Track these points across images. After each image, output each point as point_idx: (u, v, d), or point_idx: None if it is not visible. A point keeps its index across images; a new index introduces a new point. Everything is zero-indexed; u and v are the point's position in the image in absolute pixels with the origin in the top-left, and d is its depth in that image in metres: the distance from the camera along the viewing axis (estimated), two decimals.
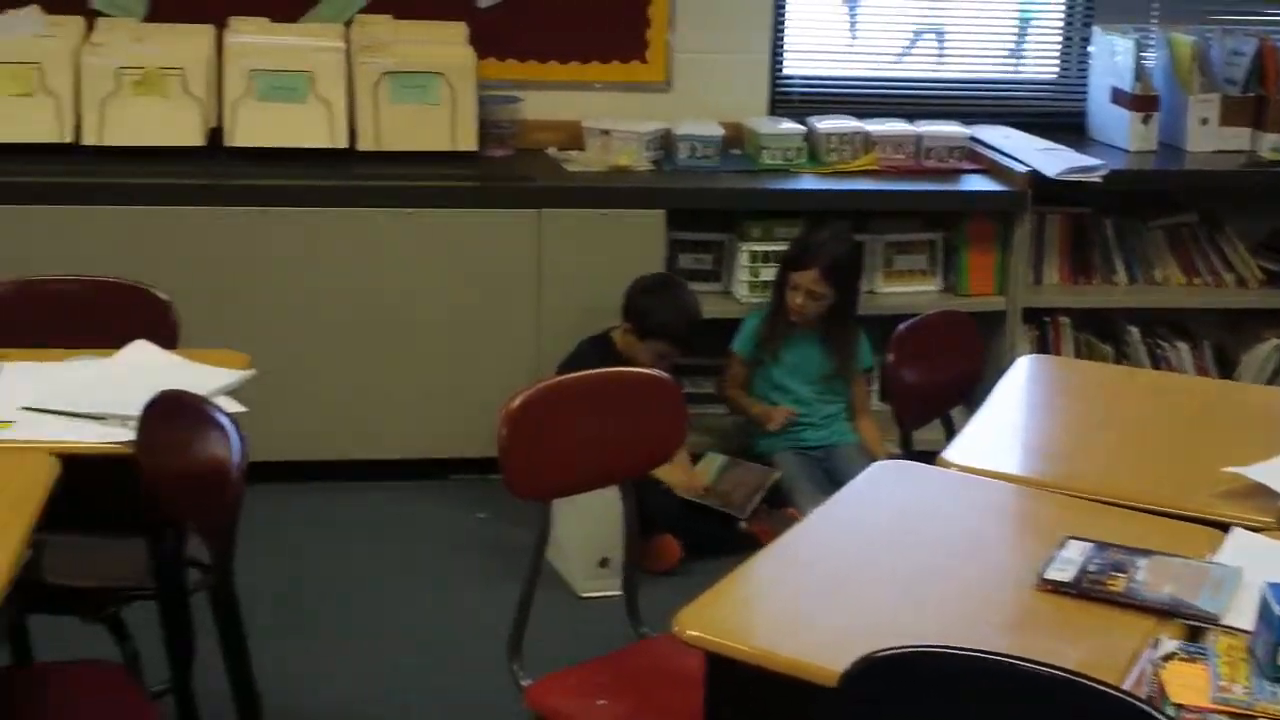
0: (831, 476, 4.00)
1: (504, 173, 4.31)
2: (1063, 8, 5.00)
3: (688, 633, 1.94)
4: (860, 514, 2.34)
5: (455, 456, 4.25)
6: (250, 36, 4.26)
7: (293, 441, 4.01)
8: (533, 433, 2.45)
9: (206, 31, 4.29)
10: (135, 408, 2.37)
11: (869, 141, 4.56)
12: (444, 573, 3.81)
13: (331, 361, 4.14)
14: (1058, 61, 5.05)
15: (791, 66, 4.79)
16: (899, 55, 5.00)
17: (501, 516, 4.06)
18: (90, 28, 4.28)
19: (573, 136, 4.51)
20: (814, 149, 4.53)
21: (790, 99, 4.78)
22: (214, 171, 4.11)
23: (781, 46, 4.75)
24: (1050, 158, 4.45)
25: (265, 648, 2.49)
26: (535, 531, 3.71)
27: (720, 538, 3.86)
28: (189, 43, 4.23)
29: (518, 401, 2.44)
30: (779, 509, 3.95)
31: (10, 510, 2.10)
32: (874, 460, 4.03)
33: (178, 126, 4.17)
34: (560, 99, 4.58)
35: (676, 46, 4.64)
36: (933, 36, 5.02)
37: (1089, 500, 2.33)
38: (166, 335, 2.87)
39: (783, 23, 4.74)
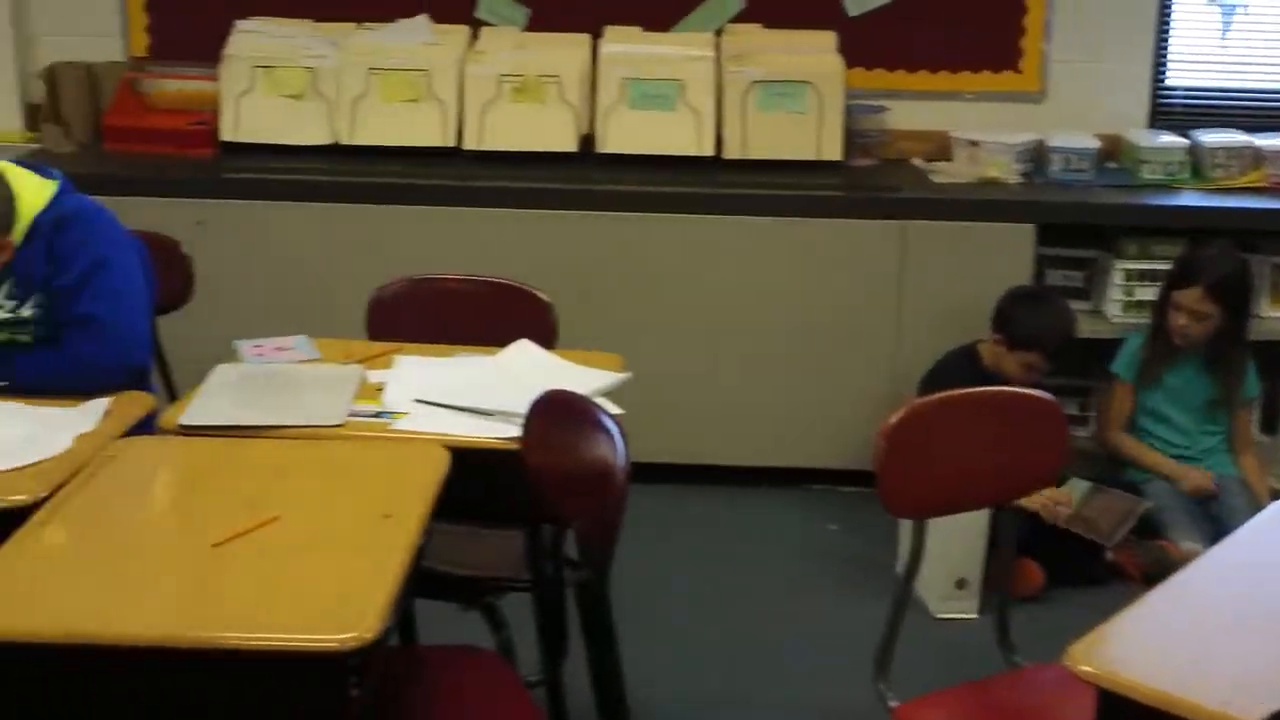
0: (1208, 510, 3.80)
1: (869, 182, 4.27)
2: None
3: (1080, 667, 1.86)
4: (1261, 556, 2.19)
5: (811, 467, 4.23)
6: (624, 45, 4.35)
7: (653, 444, 4.04)
8: (910, 450, 2.40)
9: (583, 41, 4.41)
10: (521, 405, 2.44)
11: (1258, 157, 4.31)
12: (795, 582, 3.79)
13: (694, 366, 4.18)
14: None
15: (1175, 77, 4.57)
16: None
17: (854, 529, 4.03)
18: (474, 37, 4.46)
19: (940, 147, 4.42)
20: (1197, 164, 4.31)
21: (1172, 111, 4.56)
22: (585, 177, 4.21)
23: (1165, 56, 4.54)
24: None
25: (621, 646, 2.52)
26: (889, 547, 3.70)
27: (1084, 566, 3.72)
28: (566, 51, 4.35)
29: (896, 418, 2.39)
30: (1148, 540, 3.77)
31: (408, 498, 2.19)
32: (1255, 496, 3.84)
33: (552, 133, 4.29)
34: (928, 109, 4.50)
35: (1052, 56, 4.49)
36: None
37: None
38: (546, 336, 2.95)
39: (1167, 31, 4.53)
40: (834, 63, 4.31)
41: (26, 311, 2.60)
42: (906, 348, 4.13)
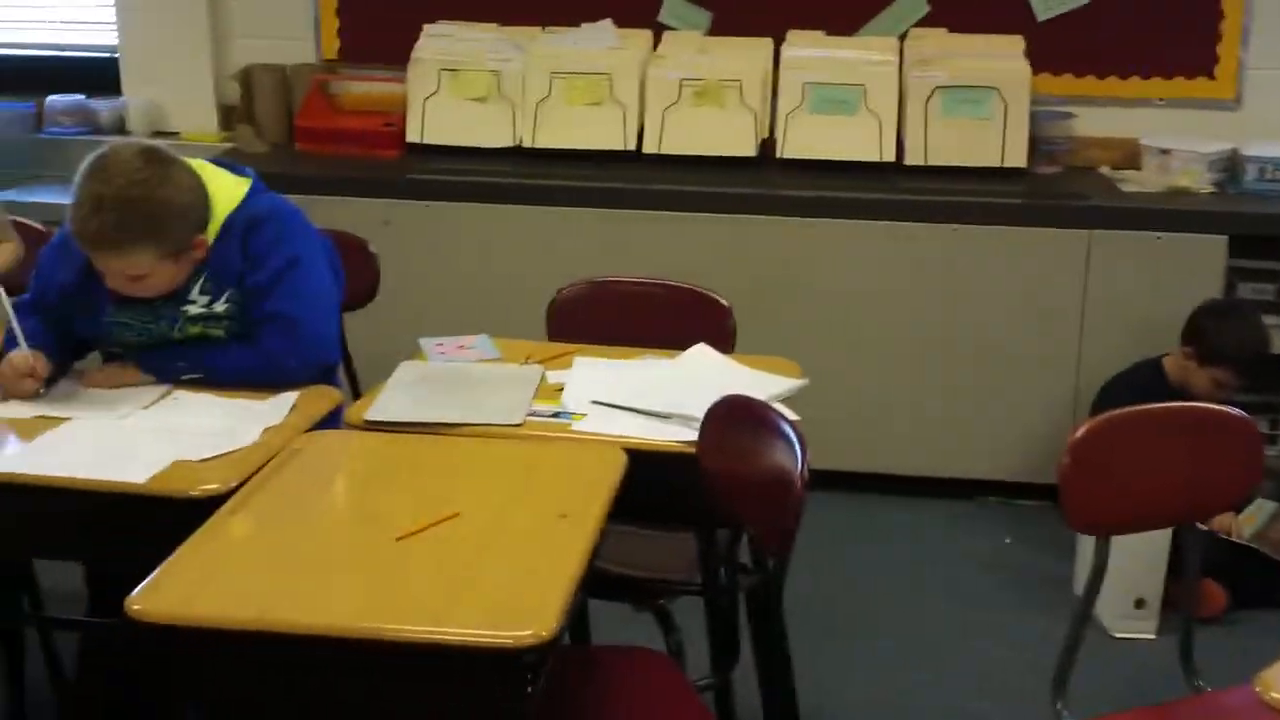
0: None
1: (1053, 190, 4.18)
2: None
3: (1271, 694, 1.79)
4: None
5: (985, 478, 4.17)
6: (806, 49, 4.33)
7: (827, 451, 4.00)
8: (1096, 465, 2.34)
9: (765, 44, 4.40)
10: (699, 409, 2.44)
11: None
12: (969, 595, 3.73)
13: (869, 374, 4.14)
14: None
15: None
16: None
17: (1028, 543, 3.95)
18: (657, 41, 4.48)
19: (1128, 155, 4.31)
20: None
21: None
22: (764, 181, 4.20)
23: None
24: None
25: (791, 652, 2.51)
26: (1065, 563, 3.62)
27: (1269, 589, 3.60)
28: (748, 55, 4.35)
29: (1083, 431, 2.33)
30: None
31: (585, 499, 2.21)
32: None
33: (732, 137, 4.29)
34: (1117, 116, 4.39)
35: (1249, 63, 4.34)
36: None
37: None
38: (725, 340, 2.95)
39: None
40: (1020, 68, 4.23)
41: (220, 307, 2.67)
42: (1088, 360, 4.04)
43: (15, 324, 2.61)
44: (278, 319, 2.66)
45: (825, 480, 4.03)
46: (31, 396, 2.57)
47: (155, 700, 2.57)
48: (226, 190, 2.68)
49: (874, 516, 4.13)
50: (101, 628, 2.66)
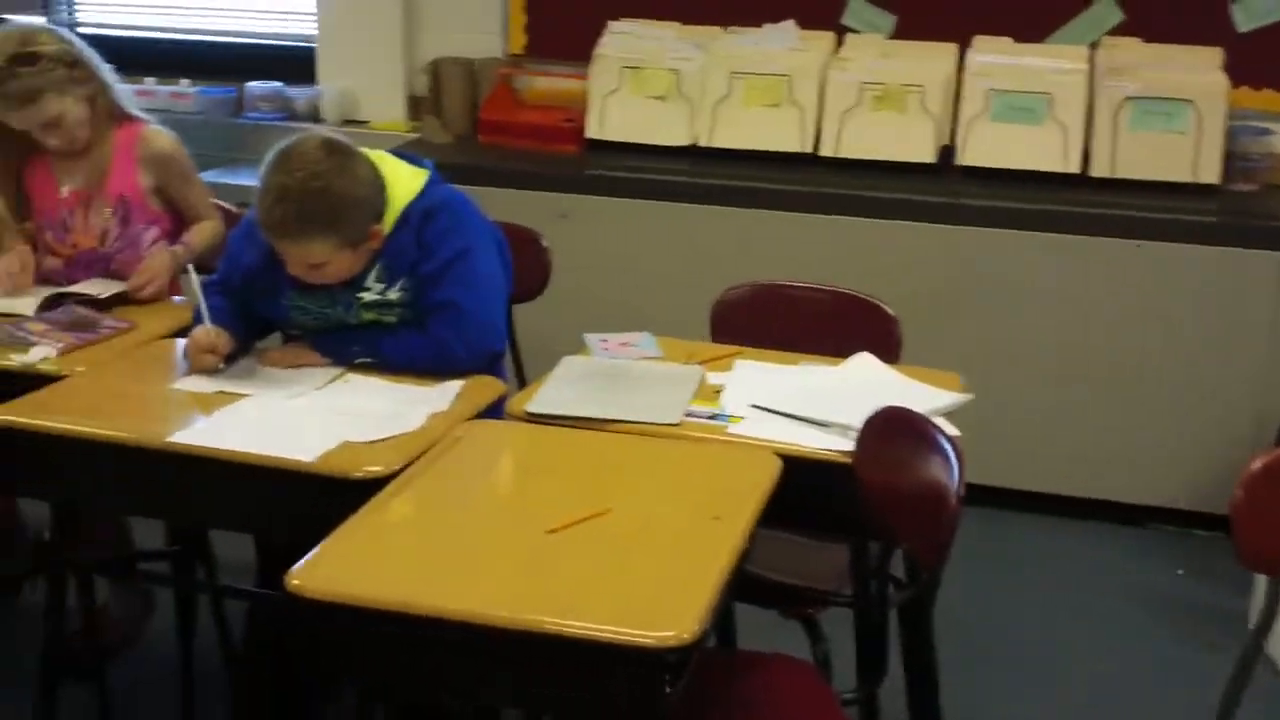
0: None
1: (1248, 209, 4.04)
2: None
3: None
4: None
5: (1157, 505, 4.05)
6: (992, 56, 4.25)
7: (990, 466, 3.96)
8: (1272, 500, 2.25)
9: (949, 50, 4.33)
10: (858, 419, 2.42)
11: None
12: (1130, 624, 3.63)
13: (1040, 390, 4.06)
14: None
15: None
16: None
17: (1202, 576, 3.83)
18: (839, 43, 4.45)
19: None
20: None
21: None
22: (942, 189, 4.14)
23: None
24: None
25: (939, 669, 2.47)
26: (1240, 599, 3.49)
27: None
28: (931, 61, 4.29)
29: (1260, 464, 2.24)
30: None
31: (738, 502, 2.20)
32: None
33: (911, 143, 4.24)
34: None
35: None
36: None
37: None
38: (889, 350, 2.91)
39: None
40: (1217, 80, 4.10)
41: (394, 294, 2.74)
42: (1276, 388, 3.89)
43: (201, 301, 2.71)
44: (447, 307, 2.71)
45: (987, 497, 4.01)
46: (212, 371, 2.67)
47: (316, 672, 2.65)
48: (404, 182, 2.74)
49: (1036, 537, 4.04)
50: (267, 599, 2.75)
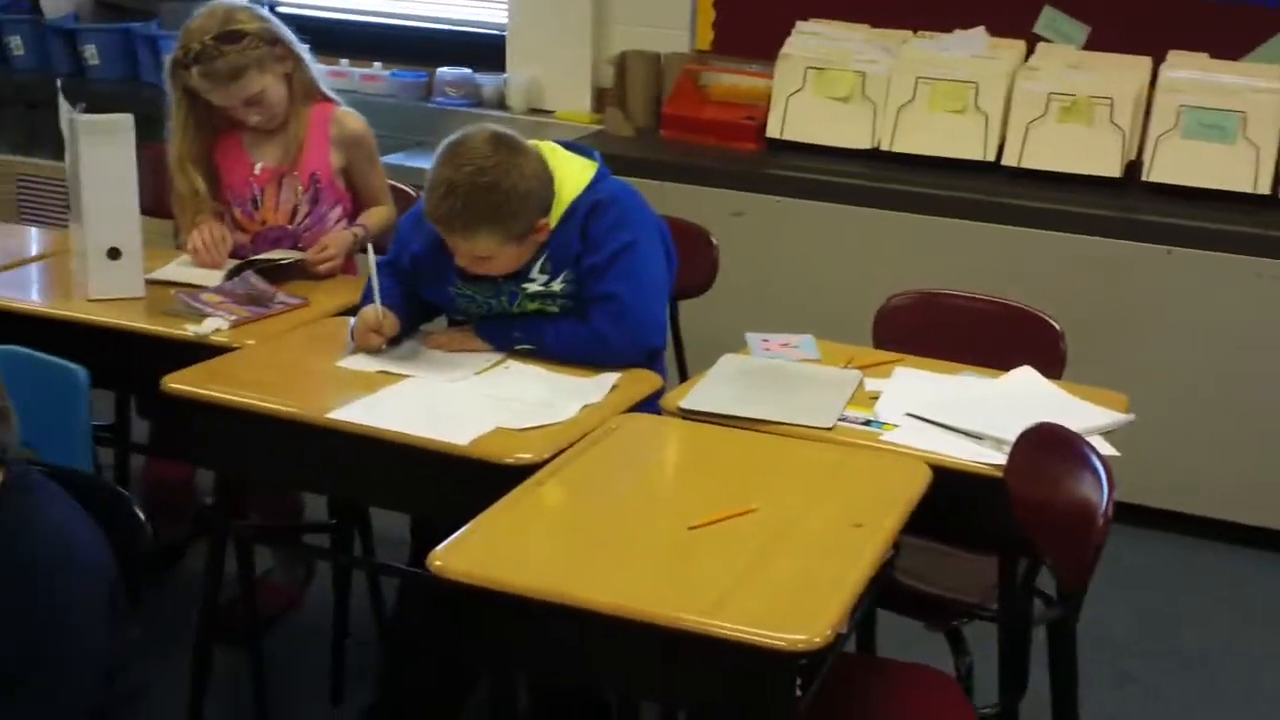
0: None
1: None
2: None
3: None
4: None
5: None
6: (1186, 72, 4.14)
7: (1147, 485, 3.85)
8: None
9: (1142, 63, 4.23)
10: (1012, 433, 2.39)
11: None
12: (1275, 653, 3.52)
13: (1204, 413, 3.94)
14: None
15: None
16: None
17: None
18: (1029, 52, 4.37)
19: None
20: None
21: None
22: (1126, 205, 4.04)
23: None
24: None
25: (1081, 688, 2.43)
26: None
27: None
28: (1122, 73, 4.19)
29: None
30: None
31: (884, 510, 2.20)
32: None
33: (1096, 156, 4.14)
34: None
35: None
36: None
37: None
38: (1053, 366, 2.87)
39: None
40: None
41: (557, 286, 2.78)
42: None
43: (374, 280, 2.79)
44: (610, 299, 2.74)
45: (1148, 518, 3.92)
46: (375, 351, 2.75)
47: (454, 652, 2.72)
48: (573, 175, 2.77)
49: (1190, 560, 3.94)
50: (417, 577, 2.82)
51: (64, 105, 3.06)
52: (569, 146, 2.85)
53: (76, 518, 1.87)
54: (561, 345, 2.76)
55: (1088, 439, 2.34)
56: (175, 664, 2.81)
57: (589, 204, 2.75)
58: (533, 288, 2.78)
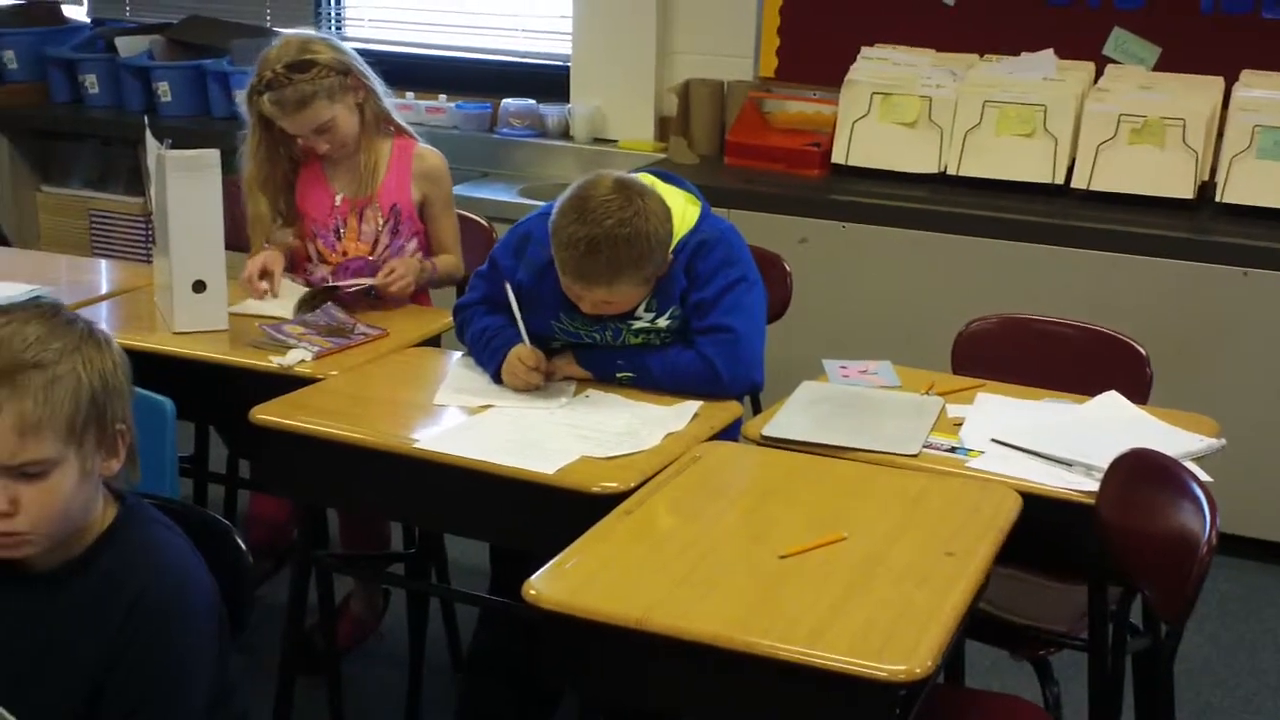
0: None
1: None
2: None
3: None
4: None
5: None
6: (1260, 91, 4.10)
7: (1227, 511, 3.77)
8: None
9: (1214, 84, 4.19)
10: (1103, 459, 2.36)
11: None
12: None
13: None
14: None
15: None
16: None
17: None
18: (1099, 74, 4.34)
19: None
20: None
21: None
22: (1199, 227, 4.00)
23: None
24: None
25: None
26: None
27: None
28: (1194, 94, 4.15)
29: None
30: None
31: (975, 538, 2.18)
32: None
33: (1168, 177, 4.11)
34: None
35: None
36: None
37: None
38: (1139, 390, 2.83)
39: None
40: None
41: (663, 323, 2.76)
42: None
43: (519, 321, 2.72)
44: (721, 330, 2.71)
45: (1238, 547, 3.85)
46: (530, 390, 2.71)
47: (546, 681, 2.71)
48: (680, 213, 2.74)
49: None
50: (499, 606, 2.81)
51: (151, 141, 3.09)
52: (664, 178, 2.82)
53: (188, 551, 1.88)
54: (668, 374, 2.73)
55: (1183, 464, 2.30)
56: (251, 691, 2.80)
57: (696, 242, 2.73)
58: (639, 324, 2.76)
